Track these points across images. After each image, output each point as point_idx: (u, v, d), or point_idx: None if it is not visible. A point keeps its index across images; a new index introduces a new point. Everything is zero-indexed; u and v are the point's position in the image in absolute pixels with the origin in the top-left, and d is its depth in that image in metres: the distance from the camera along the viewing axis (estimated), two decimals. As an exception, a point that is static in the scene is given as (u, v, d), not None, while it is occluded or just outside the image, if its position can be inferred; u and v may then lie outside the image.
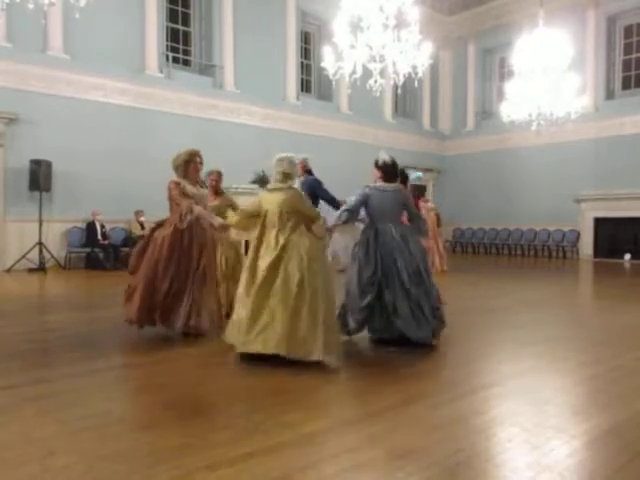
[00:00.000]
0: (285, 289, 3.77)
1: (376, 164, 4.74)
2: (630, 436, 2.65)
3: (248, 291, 3.89)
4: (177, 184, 4.76)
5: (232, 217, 4.35)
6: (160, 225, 4.81)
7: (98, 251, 11.07)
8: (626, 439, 2.61)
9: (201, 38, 13.80)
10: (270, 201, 4.02)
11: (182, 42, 13.59)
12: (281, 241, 3.91)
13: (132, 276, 4.79)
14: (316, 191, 6.13)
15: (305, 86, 16.03)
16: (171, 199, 4.75)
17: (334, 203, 6.15)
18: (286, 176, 4.04)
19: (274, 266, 3.84)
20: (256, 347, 3.72)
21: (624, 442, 2.57)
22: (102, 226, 11.31)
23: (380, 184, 4.65)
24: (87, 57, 11.35)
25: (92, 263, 11.11)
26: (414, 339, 4.32)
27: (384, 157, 4.68)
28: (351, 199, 4.76)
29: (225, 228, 4.74)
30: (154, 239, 4.70)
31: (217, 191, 5.74)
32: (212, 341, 4.38)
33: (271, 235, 3.96)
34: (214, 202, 5.45)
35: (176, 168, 4.85)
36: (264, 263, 3.87)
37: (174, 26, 13.38)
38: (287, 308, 3.72)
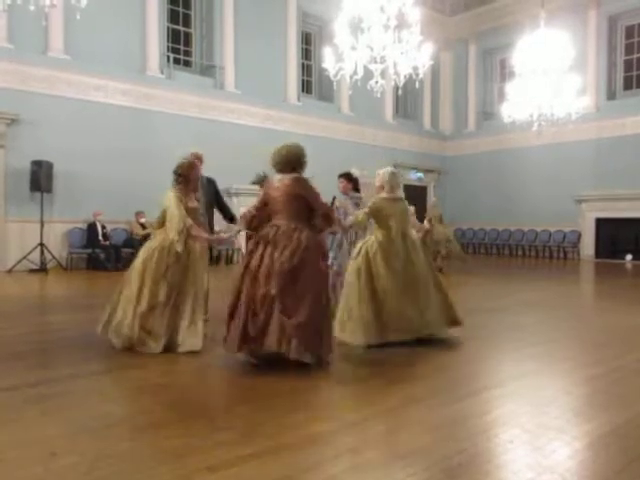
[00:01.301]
0: (431, 279, 4.78)
1: (349, 177, 5.81)
2: (631, 438, 2.64)
3: (403, 287, 4.58)
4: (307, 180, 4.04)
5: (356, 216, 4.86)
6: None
7: (99, 252, 11.07)
8: (627, 441, 2.61)
9: (202, 39, 13.81)
10: (397, 209, 4.81)
11: (183, 43, 13.60)
12: (416, 242, 4.90)
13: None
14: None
15: (306, 87, 16.04)
16: (317, 200, 4.00)
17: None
18: (399, 187, 5.03)
19: (424, 262, 4.80)
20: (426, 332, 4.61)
21: (625, 444, 2.57)
22: (103, 227, 11.32)
23: (354, 194, 5.85)
24: (88, 58, 11.37)
25: (93, 264, 11.12)
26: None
27: (357, 172, 5.68)
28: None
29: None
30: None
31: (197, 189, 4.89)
32: (213, 342, 4.38)
33: (408, 237, 4.80)
34: (195, 204, 4.61)
35: (300, 165, 4.04)
36: (416, 261, 4.72)
37: (175, 27, 13.40)
38: (435, 293, 4.75)
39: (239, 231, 4.91)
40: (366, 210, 4.83)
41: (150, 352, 4.12)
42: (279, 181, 3.97)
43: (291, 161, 3.97)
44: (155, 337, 4.17)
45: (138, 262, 4.30)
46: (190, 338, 4.17)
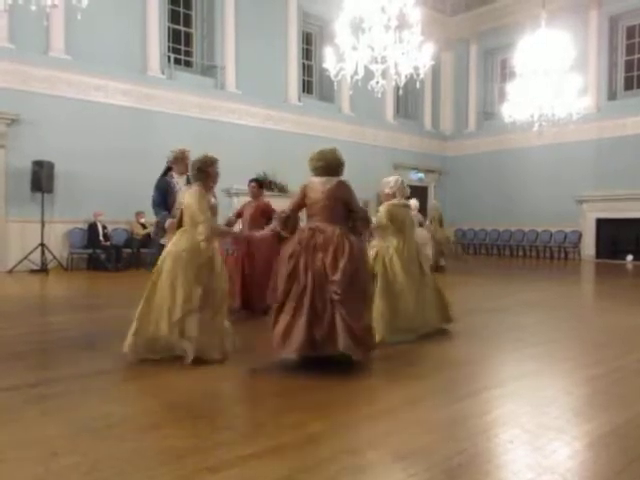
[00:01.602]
0: (430, 280, 5.17)
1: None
2: (631, 438, 2.64)
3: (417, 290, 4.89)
4: None
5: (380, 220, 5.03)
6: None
7: (100, 252, 11.08)
8: (627, 441, 2.61)
9: (203, 39, 13.82)
10: (407, 215, 5.18)
11: (184, 43, 13.61)
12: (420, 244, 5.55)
13: None
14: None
15: (307, 87, 16.04)
16: (357, 204, 4.12)
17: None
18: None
19: (427, 264, 5.31)
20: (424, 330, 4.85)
21: (625, 444, 2.57)
22: (104, 227, 11.32)
23: None
24: (89, 58, 11.37)
25: (94, 264, 11.12)
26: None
27: None
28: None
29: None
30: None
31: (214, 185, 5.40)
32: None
33: (415, 241, 5.23)
34: (213, 201, 4.74)
35: (342, 169, 4.14)
36: (422, 263, 5.13)
37: (176, 27, 13.40)
38: (433, 293, 5.13)
39: (276, 230, 5.03)
40: (385, 215, 5.06)
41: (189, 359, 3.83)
42: (321, 184, 4.00)
43: (334, 165, 4.07)
44: (195, 343, 3.88)
45: (167, 266, 3.98)
46: (226, 342, 4.00)
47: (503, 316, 6.20)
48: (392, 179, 5.18)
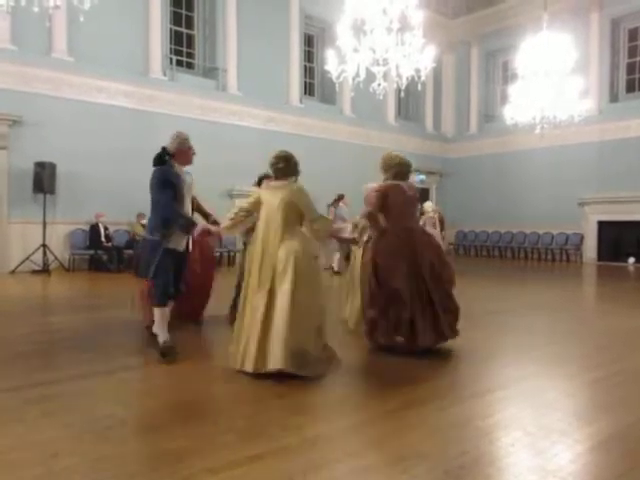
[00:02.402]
0: None
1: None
2: (633, 441, 2.64)
3: None
4: None
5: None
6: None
7: (101, 253, 11.09)
8: (629, 444, 2.60)
9: (205, 41, 13.84)
10: None
11: (186, 45, 13.63)
12: None
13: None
14: None
15: (308, 89, 16.05)
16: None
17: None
18: None
19: None
20: None
21: (627, 447, 2.56)
22: (105, 228, 11.33)
23: None
24: (91, 60, 11.39)
25: (95, 265, 11.13)
26: None
27: None
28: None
29: None
30: None
31: None
32: (216, 344, 4.37)
33: None
34: None
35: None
36: None
37: (178, 29, 13.42)
38: None
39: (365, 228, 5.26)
40: None
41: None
42: (408, 188, 4.41)
43: (409, 170, 4.57)
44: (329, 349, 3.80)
45: (296, 272, 3.54)
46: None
47: (504, 318, 6.20)
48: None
